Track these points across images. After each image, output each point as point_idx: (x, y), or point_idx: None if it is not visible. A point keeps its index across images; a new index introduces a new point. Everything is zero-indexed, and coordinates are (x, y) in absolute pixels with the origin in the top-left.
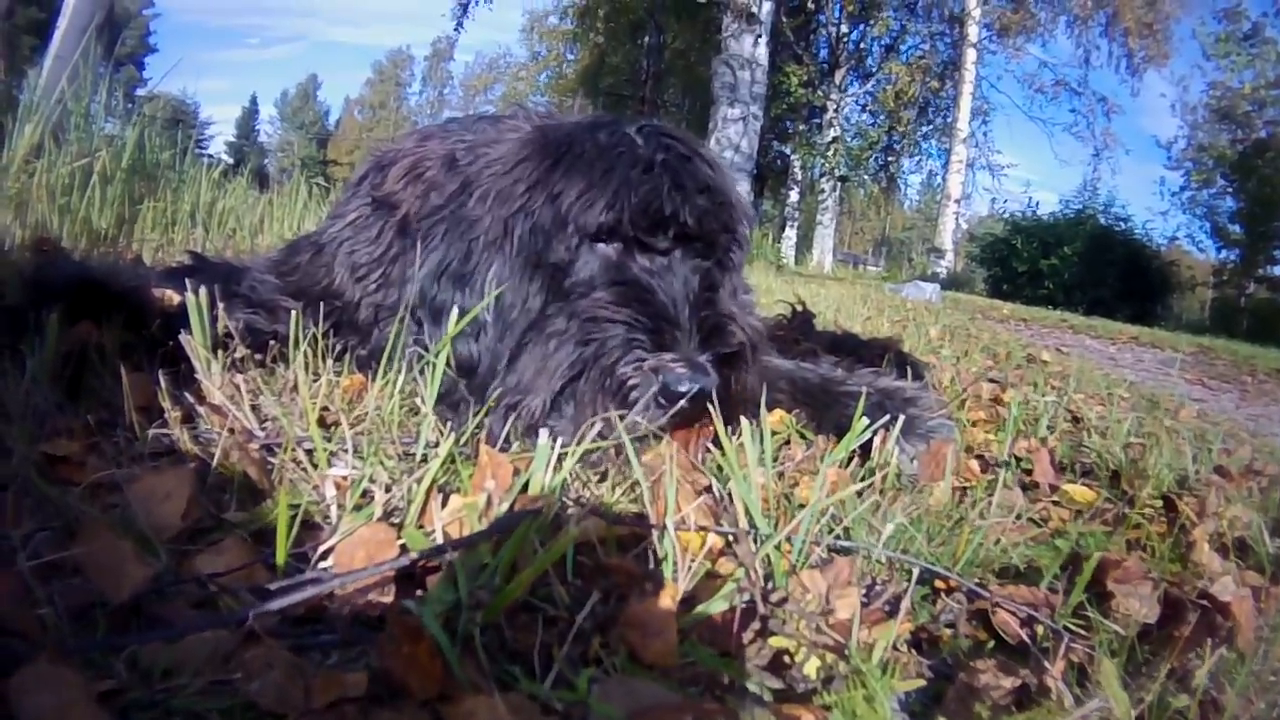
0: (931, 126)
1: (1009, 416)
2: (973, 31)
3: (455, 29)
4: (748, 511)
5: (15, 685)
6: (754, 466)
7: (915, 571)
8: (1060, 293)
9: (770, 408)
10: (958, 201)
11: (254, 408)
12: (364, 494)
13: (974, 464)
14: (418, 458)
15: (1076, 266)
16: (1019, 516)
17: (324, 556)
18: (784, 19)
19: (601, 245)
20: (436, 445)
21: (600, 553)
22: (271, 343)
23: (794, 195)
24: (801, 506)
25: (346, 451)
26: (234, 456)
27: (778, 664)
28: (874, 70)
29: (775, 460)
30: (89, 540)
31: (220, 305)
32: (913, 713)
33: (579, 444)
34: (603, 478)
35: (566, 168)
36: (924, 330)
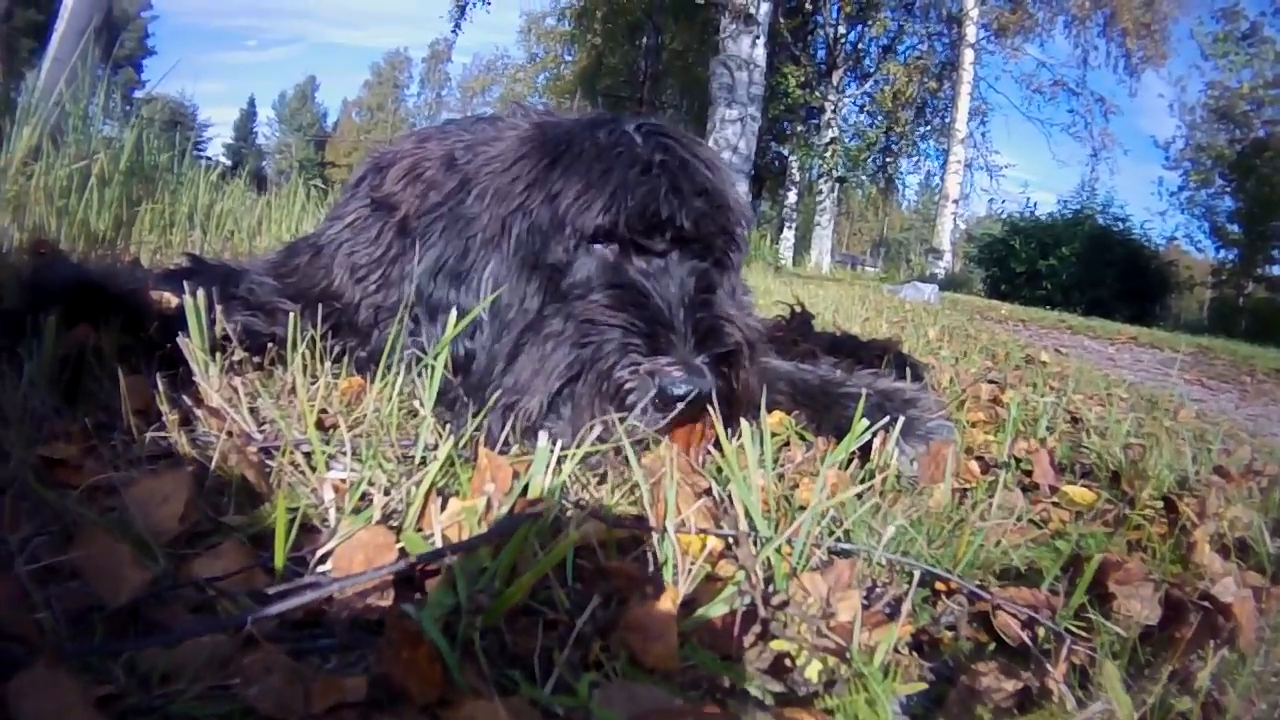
0: (929, 127)
1: (1008, 417)
2: (970, 32)
3: (453, 31)
4: (748, 514)
5: (13, 690)
6: (754, 469)
7: (916, 574)
8: (1058, 293)
9: (770, 409)
10: (956, 202)
11: (252, 410)
12: (363, 497)
13: (974, 465)
14: (416, 460)
15: (1075, 267)
16: (1019, 518)
17: (323, 560)
18: (782, 20)
19: (599, 246)
20: (435, 448)
21: (600, 556)
22: (270, 345)
23: (792, 196)
24: (801, 509)
25: (345, 454)
26: (232, 459)
27: (779, 667)
28: (872, 71)
29: (775, 462)
30: (87, 544)
31: (218, 307)
32: (914, 716)
33: (578, 447)
34: (602, 480)
35: (565, 167)
36: (922, 331)
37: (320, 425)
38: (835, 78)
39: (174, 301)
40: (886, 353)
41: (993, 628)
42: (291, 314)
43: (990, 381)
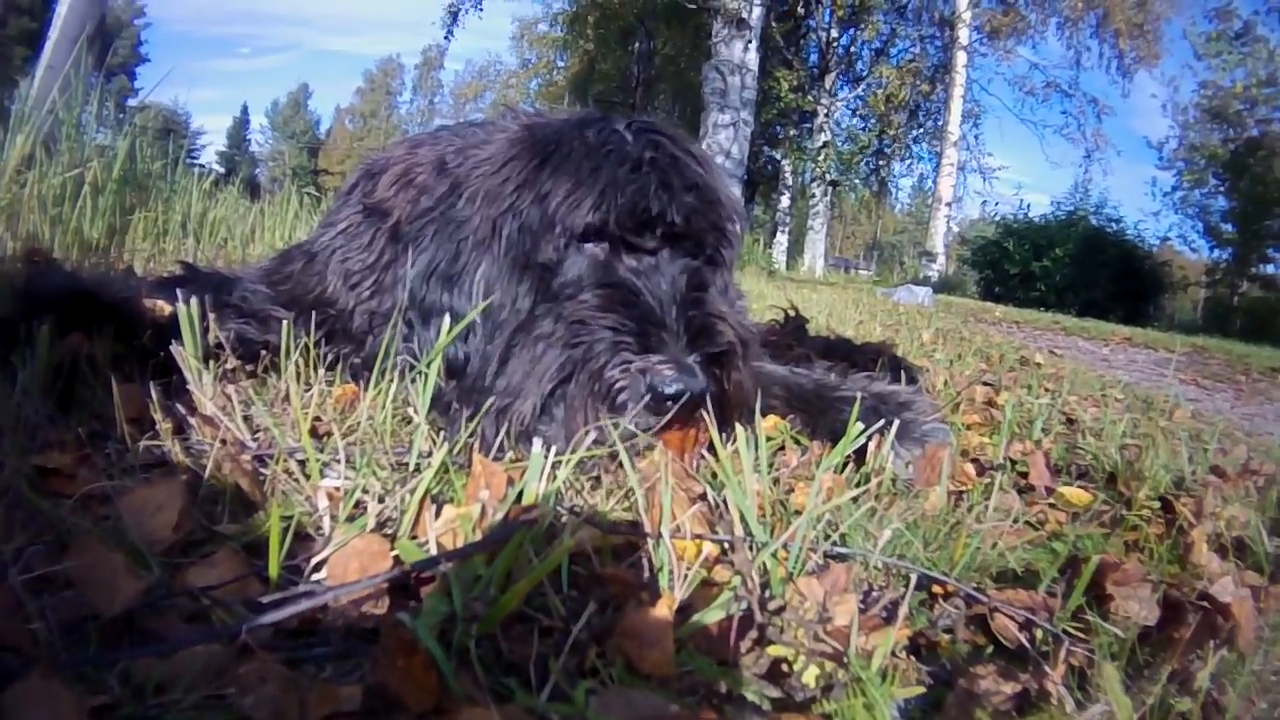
0: (922, 130)
1: (1004, 419)
2: (963, 34)
3: (445, 37)
4: (743, 519)
5: (8, 701)
6: (749, 473)
7: (913, 577)
8: (1053, 295)
9: (764, 413)
10: (949, 205)
11: (246, 418)
12: (357, 505)
13: (969, 467)
14: (411, 467)
15: (1069, 268)
16: (1016, 520)
17: (317, 568)
18: (774, 24)
19: (589, 245)
20: (429, 455)
21: (595, 562)
22: (263, 353)
23: (785, 200)
24: (797, 513)
25: (339, 462)
26: (226, 468)
27: (776, 672)
28: (864, 74)
29: (770, 466)
30: (81, 553)
31: (212, 315)
32: (912, 719)
33: (572, 452)
34: (596, 484)
35: (554, 167)
36: (917, 334)
37: (314, 433)
38: (828, 81)
39: (167, 309)
40: (881, 356)
41: (990, 630)
42: (285, 321)
43: (985, 384)
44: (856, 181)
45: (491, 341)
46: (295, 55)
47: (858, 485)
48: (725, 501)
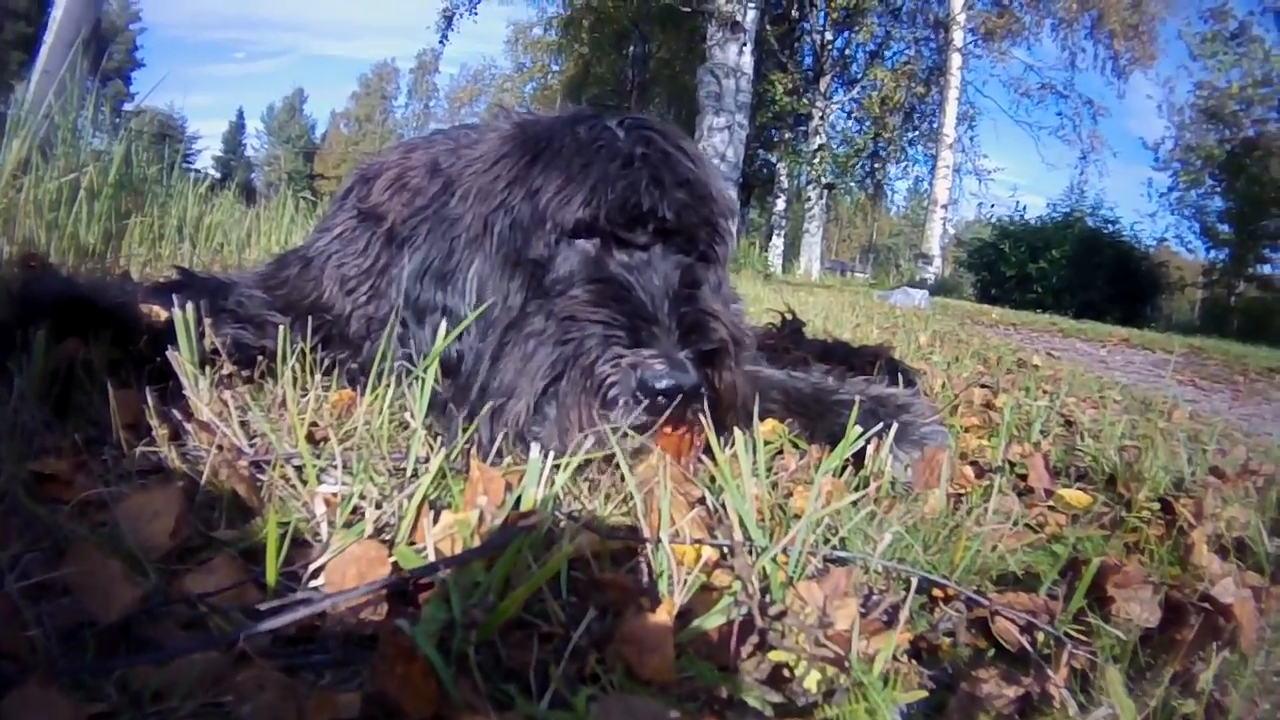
0: (917, 132)
1: (1002, 422)
2: (958, 36)
3: (440, 41)
4: (743, 523)
5: (5, 708)
6: (748, 477)
7: (914, 581)
8: (1049, 296)
9: (762, 417)
10: (945, 207)
11: (242, 424)
12: (354, 511)
13: (968, 470)
14: (408, 473)
15: (1065, 270)
16: (1015, 523)
17: (315, 575)
18: (768, 27)
19: (580, 241)
20: (427, 460)
21: (594, 567)
22: (260, 358)
23: (780, 203)
24: (796, 517)
25: (336, 468)
26: (222, 474)
27: (777, 677)
28: (859, 77)
29: (769, 470)
30: (78, 560)
31: (208, 321)
32: None
33: (568, 453)
34: (594, 488)
35: (545, 163)
36: (914, 337)
37: (311, 439)
38: (823, 84)
39: (163, 315)
40: (878, 359)
41: (991, 633)
42: (281, 327)
43: (983, 386)
44: (852, 184)
45: (484, 339)
46: (290, 60)
47: (857, 489)
48: (724, 506)
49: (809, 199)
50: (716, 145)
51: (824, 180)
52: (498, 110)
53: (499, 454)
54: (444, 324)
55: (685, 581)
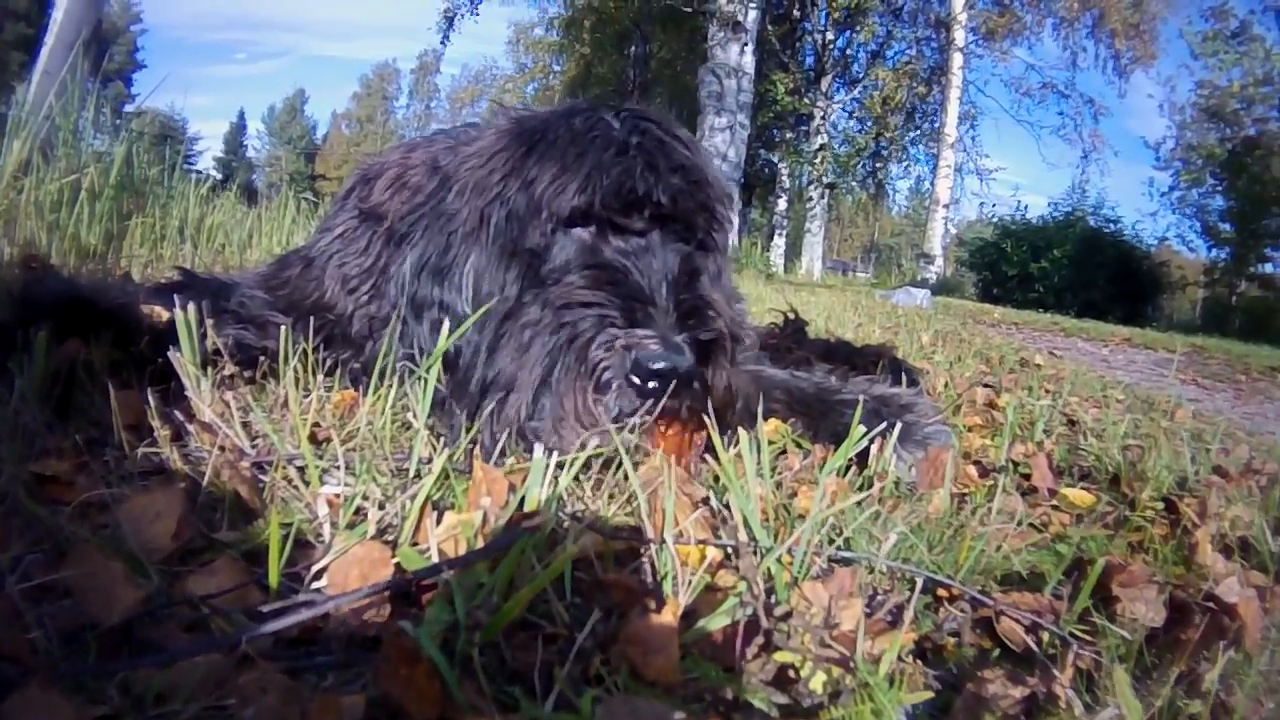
0: (919, 132)
1: (1005, 421)
2: (959, 36)
3: (441, 42)
4: (747, 524)
5: (6, 711)
6: (752, 477)
7: (919, 581)
8: (1051, 296)
9: (766, 417)
10: (946, 206)
11: (244, 425)
12: (357, 511)
13: (971, 470)
14: (411, 474)
15: (1067, 269)
16: (1019, 522)
17: (318, 576)
18: (770, 27)
19: (577, 229)
20: (429, 461)
21: (598, 568)
22: (262, 359)
23: (782, 203)
24: (800, 517)
25: (339, 468)
26: (225, 475)
27: (783, 679)
28: (860, 77)
29: (773, 470)
30: (79, 562)
31: (209, 321)
32: None
33: (574, 459)
34: (597, 487)
35: (541, 154)
36: (916, 336)
37: (313, 439)
38: (824, 84)
39: (165, 316)
40: (881, 358)
41: (996, 634)
42: (283, 327)
43: (985, 385)
44: (853, 184)
45: (481, 331)
46: (291, 61)
47: (861, 489)
48: (728, 506)
49: (810, 199)
50: (718, 145)
51: (825, 180)
52: (496, 108)
53: (502, 453)
54: (444, 320)
55: (690, 582)
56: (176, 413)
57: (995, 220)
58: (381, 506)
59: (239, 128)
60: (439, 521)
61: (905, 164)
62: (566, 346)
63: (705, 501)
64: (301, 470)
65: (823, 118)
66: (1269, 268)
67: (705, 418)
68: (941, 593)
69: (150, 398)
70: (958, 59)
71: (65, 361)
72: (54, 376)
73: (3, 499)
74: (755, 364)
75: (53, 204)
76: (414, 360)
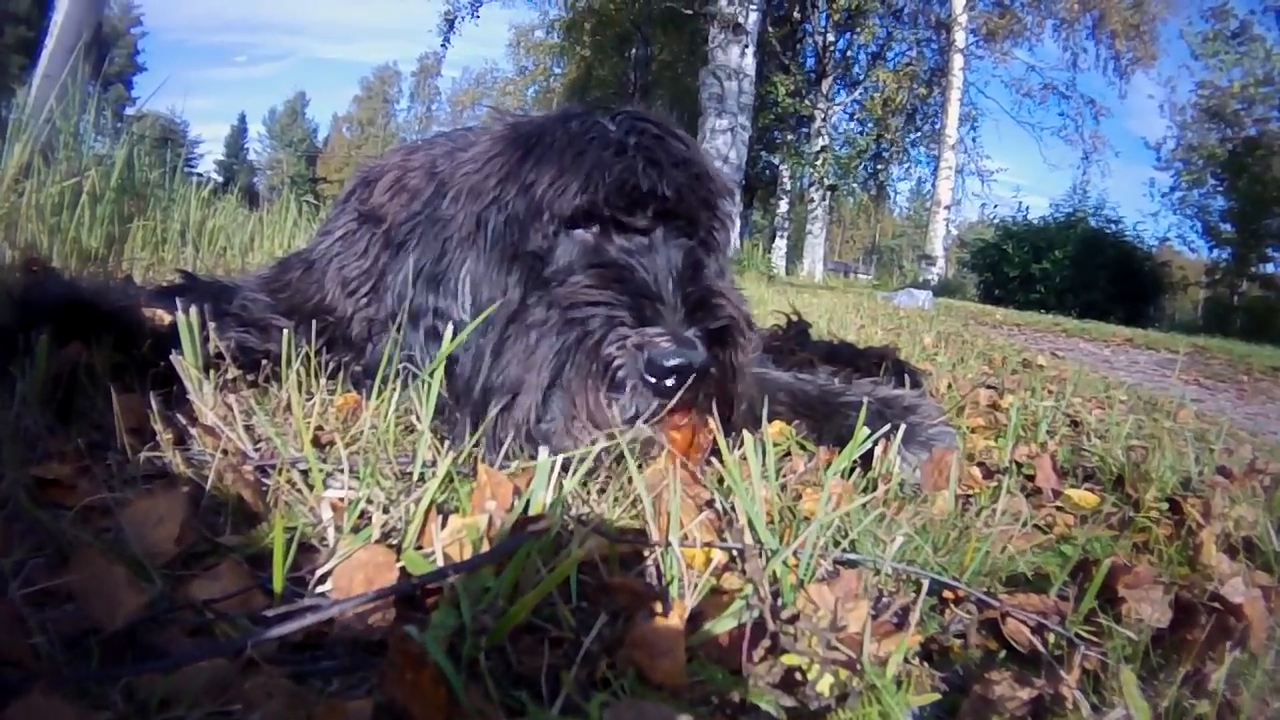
0: (920, 133)
1: (1009, 422)
2: (959, 37)
3: (442, 45)
4: (753, 526)
5: (9, 718)
6: (757, 479)
7: (925, 583)
8: (1052, 297)
9: (770, 419)
10: (948, 208)
11: (247, 428)
12: (361, 515)
13: (975, 471)
14: (415, 477)
15: (1068, 270)
16: (1024, 523)
17: (322, 580)
18: (770, 29)
19: (579, 230)
20: (434, 464)
21: (604, 572)
22: (264, 362)
23: (783, 205)
24: (805, 519)
25: (342, 472)
26: (228, 479)
27: (790, 681)
28: (861, 78)
29: (777, 473)
30: (82, 566)
31: (211, 324)
32: None
33: (580, 461)
34: (603, 489)
35: (538, 157)
36: (918, 338)
37: (316, 442)
38: (825, 86)
39: (167, 319)
40: (884, 360)
41: (1002, 635)
42: (285, 330)
43: (988, 386)
44: (855, 186)
45: (484, 336)
46: (292, 63)
47: (865, 490)
48: (733, 508)
49: (812, 201)
50: (719, 147)
51: (827, 182)
52: (495, 113)
53: (507, 457)
54: (446, 328)
55: (695, 585)
56: (179, 416)
57: (996, 221)
58: (386, 510)
59: (240, 131)
60: (444, 525)
61: (906, 165)
62: (576, 346)
63: (710, 504)
64: (305, 474)
65: (824, 119)
66: (1270, 268)
67: (717, 411)
68: (947, 594)
69: (152, 401)
70: (958, 60)
71: (67, 365)
72: (55, 380)
73: (4, 503)
74: (759, 366)
75: (54, 207)
76: (413, 364)
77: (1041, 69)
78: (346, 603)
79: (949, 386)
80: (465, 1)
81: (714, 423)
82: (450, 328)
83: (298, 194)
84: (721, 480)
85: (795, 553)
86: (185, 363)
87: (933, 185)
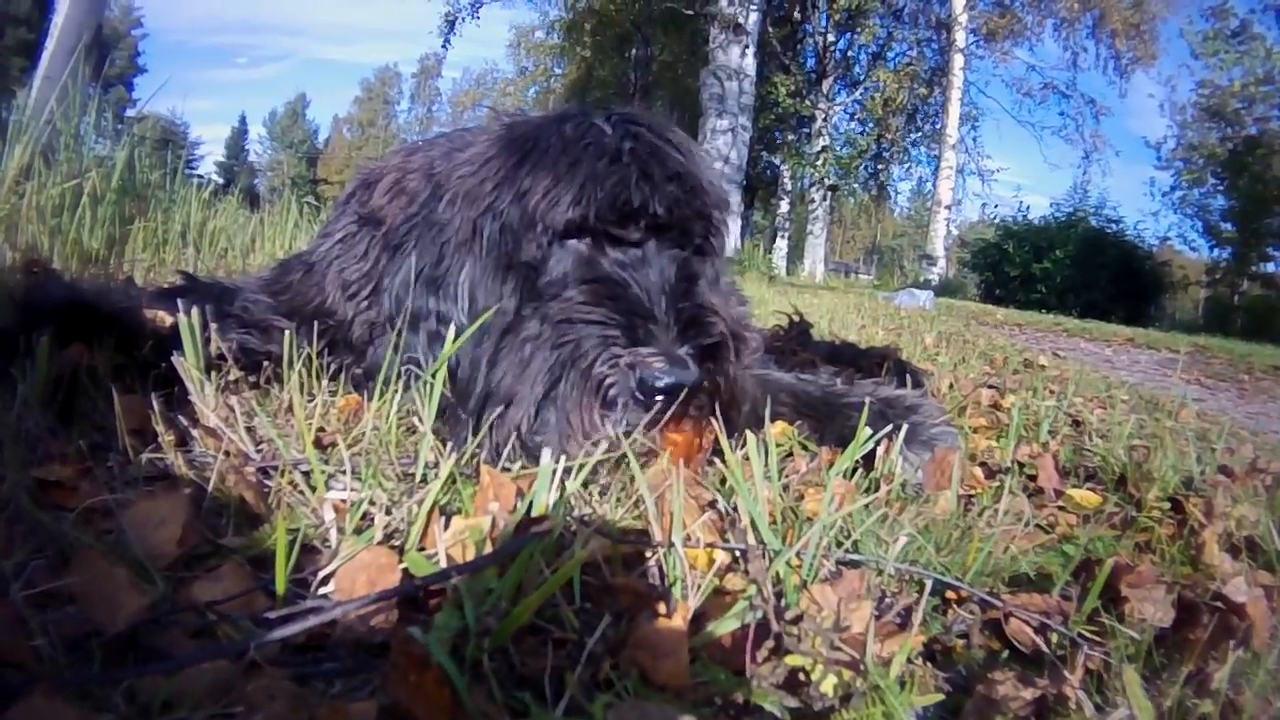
0: (920, 133)
1: (1011, 422)
2: (960, 37)
3: (443, 45)
4: (756, 527)
5: None
6: (760, 480)
7: (928, 583)
8: (1053, 296)
9: (772, 420)
10: (948, 207)
11: (249, 430)
12: (364, 516)
13: (978, 471)
14: (417, 478)
15: (1069, 270)
16: (1026, 523)
17: (324, 582)
18: (771, 29)
19: (572, 241)
20: (436, 465)
21: (607, 572)
22: (265, 363)
23: (784, 205)
24: (808, 520)
25: (344, 473)
26: (230, 480)
27: (793, 682)
28: (862, 78)
29: (780, 473)
30: (83, 568)
31: (213, 326)
32: None
33: (580, 464)
34: (604, 491)
35: (533, 163)
36: (919, 338)
37: (318, 444)
38: (825, 86)
39: (168, 320)
40: (885, 360)
41: (1005, 635)
42: (287, 331)
43: (990, 386)
44: (855, 186)
45: (480, 345)
46: (292, 65)
47: (868, 491)
48: (735, 509)
49: (812, 201)
50: (720, 148)
51: (827, 182)
52: (492, 113)
53: (508, 459)
54: (449, 330)
55: (698, 586)
56: (180, 418)
57: (997, 221)
58: (388, 511)
59: (240, 132)
60: (446, 526)
61: (907, 165)
62: (570, 364)
63: (712, 504)
64: (307, 475)
65: (824, 119)
66: (1271, 267)
67: (714, 420)
68: (950, 595)
69: (154, 403)
70: (959, 60)
71: (68, 367)
72: (57, 382)
73: (6, 505)
74: (761, 367)
75: (54, 209)
76: (416, 366)
77: (1042, 68)
78: (349, 604)
79: (951, 386)
80: (466, 2)
81: (716, 424)
82: (452, 330)
83: (298, 195)
84: (724, 481)
85: (798, 553)
86: (187, 364)
87: (933, 185)
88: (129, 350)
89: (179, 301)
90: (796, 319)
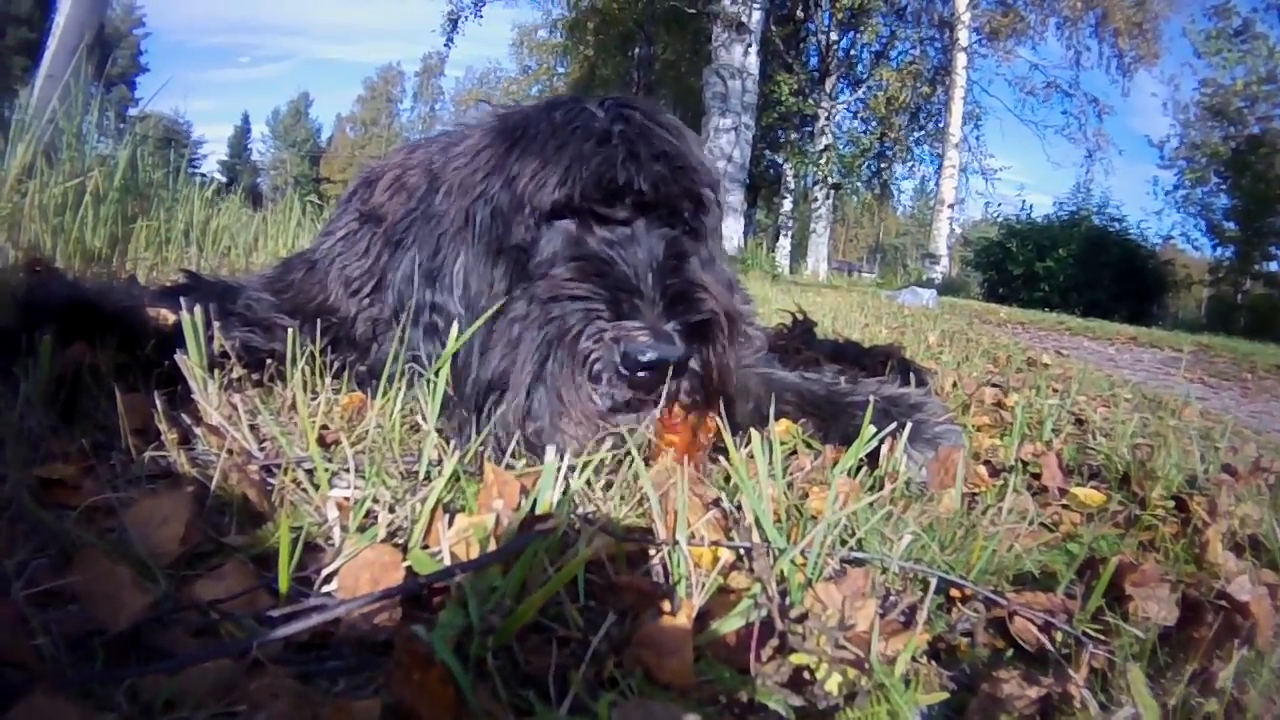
0: (923, 132)
1: (1014, 421)
2: (963, 36)
3: (445, 44)
4: (760, 525)
5: (13, 719)
6: (764, 478)
7: (933, 582)
8: (1056, 295)
9: (777, 418)
10: (951, 206)
11: (252, 428)
12: (367, 514)
13: (981, 469)
14: (421, 476)
15: (1072, 268)
16: (1030, 522)
17: (328, 580)
18: (773, 28)
19: (561, 222)
20: (439, 463)
21: (611, 570)
22: (269, 361)
23: (787, 204)
24: (813, 518)
25: (348, 471)
26: (233, 478)
27: (798, 681)
28: (865, 77)
29: (784, 471)
30: (86, 567)
31: (216, 324)
32: None
33: (585, 461)
34: (608, 487)
35: (522, 149)
36: (923, 336)
37: (322, 442)
38: (828, 84)
39: (171, 318)
40: (889, 359)
41: (1010, 633)
42: (290, 329)
43: (993, 385)
44: (858, 184)
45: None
46: (295, 64)
47: (872, 489)
48: (739, 507)
49: (815, 199)
50: (723, 146)
51: (830, 180)
52: (488, 107)
53: (512, 456)
54: (439, 322)
55: (703, 584)
56: (183, 416)
57: (1000, 220)
58: (392, 509)
59: (243, 131)
60: (450, 524)
61: (910, 164)
62: (557, 340)
63: (717, 502)
64: (310, 473)
65: (827, 118)
66: (1274, 266)
67: (712, 407)
68: (954, 593)
69: (157, 401)
70: (961, 59)
71: (70, 365)
72: (59, 380)
73: (8, 504)
74: (765, 365)
75: (57, 208)
76: (418, 363)
77: (1045, 67)
78: (353, 602)
79: (954, 385)
80: (468, 1)
81: (718, 421)
82: (453, 324)
83: (301, 194)
84: (728, 479)
85: (803, 551)
86: (190, 362)
87: (936, 184)
88: (131, 349)
89: (182, 300)
90: (800, 317)
